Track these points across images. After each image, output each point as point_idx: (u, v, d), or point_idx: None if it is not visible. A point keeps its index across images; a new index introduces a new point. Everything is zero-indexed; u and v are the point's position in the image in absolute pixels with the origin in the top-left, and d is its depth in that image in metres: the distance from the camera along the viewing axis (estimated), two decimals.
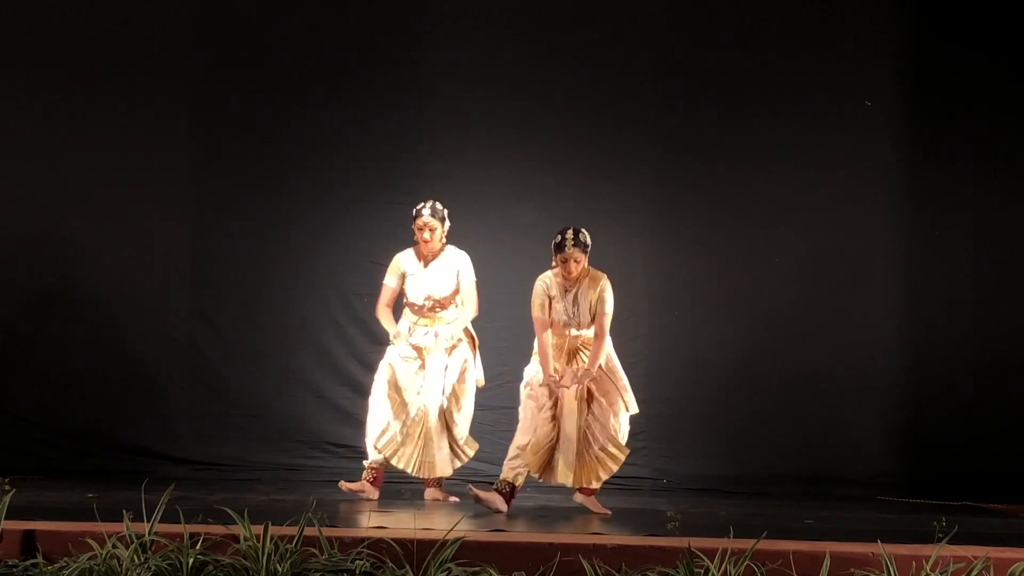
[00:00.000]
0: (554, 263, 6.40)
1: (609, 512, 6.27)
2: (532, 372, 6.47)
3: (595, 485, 6.34)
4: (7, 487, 5.00)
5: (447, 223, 6.81)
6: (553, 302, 6.37)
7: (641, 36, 8.17)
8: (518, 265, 7.40)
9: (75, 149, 8.17)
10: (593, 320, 6.34)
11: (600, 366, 6.34)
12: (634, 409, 6.42)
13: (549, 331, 6.39)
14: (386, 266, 6.91)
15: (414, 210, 6.81)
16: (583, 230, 6.36)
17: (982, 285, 7.98)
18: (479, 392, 6.91)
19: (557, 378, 6.31)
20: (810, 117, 8.09)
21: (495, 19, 8.23)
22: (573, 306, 6.35)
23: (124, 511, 4.83)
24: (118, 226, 8.16)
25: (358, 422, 7.07)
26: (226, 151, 8.22)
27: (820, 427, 7.90)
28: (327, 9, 8.26)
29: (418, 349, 6.76)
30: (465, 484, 7.51)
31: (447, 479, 6.90)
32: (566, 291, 6.37)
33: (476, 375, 6.85)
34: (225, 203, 8.19)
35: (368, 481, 6.74)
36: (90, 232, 8.14)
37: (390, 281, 6.87)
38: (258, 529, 4.68)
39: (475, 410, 6.89)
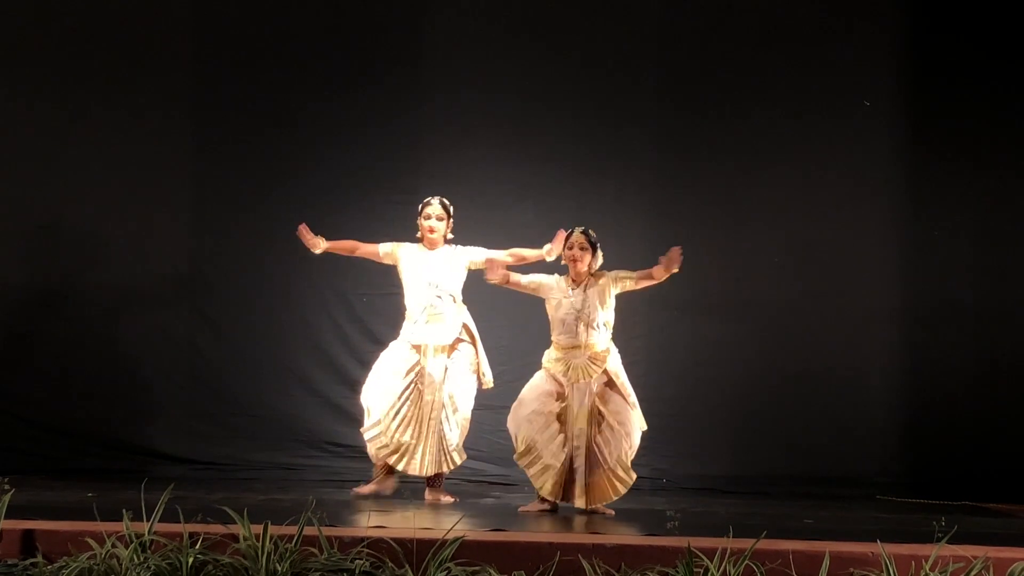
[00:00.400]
0: (563, 261, 6.44)
1: (612, 512, 6.27)
2: (534, 377, 6.47)
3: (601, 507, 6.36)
4: (7, 486, 5.00)
5: (451, 220, 6.81)
6: (560, 299, 6.36)
7: (641, 36, 8.18)
8: (517, 265, 7.40)
9: (75, 149, 8.17)
10: (605, 321, 6.35)
11: (612, 377, 6.34)
12: (643, 426, 6.44)
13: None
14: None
15: (420, 204, 6.81)
16: (591, 231, 6.45)
17: (981, 285, 7.99)
18: (478, 392, 6.91)
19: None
20: (809, 117, 8.09)
21: (494, 19, 8.23)
22: (582, 300, 6.33)
23: (123, 510, 4.83)
24: (118, 226, 8.16)
25: (357, 422, 7.06)
26: (226, 151, 8.22)
27: (819, 427, 7.91)
28: (327, 9, 8.27)
29: (418, 348, 6.74)
30: (464, 484, 7.54)
31: (446, 478, 6.89)
32: (574, 289, 6.37)
33: (484, 377, 6.84)
34: (225, 203, 8.19)
35: (383, 476, 6.74)
36: (90, 231, 8.14)
37: (384, 247, 6.84)
38: (257, 528, 4.68)
39: (474, 410, 6.89)
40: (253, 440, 8.01)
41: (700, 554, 4.64)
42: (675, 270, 6.35)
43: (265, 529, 4.66)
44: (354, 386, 7.62)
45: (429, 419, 6.67)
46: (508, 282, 6.49)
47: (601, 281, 6.39)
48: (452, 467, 6.79)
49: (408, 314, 6.82)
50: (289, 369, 8.08)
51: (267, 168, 8.18)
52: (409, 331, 6.77)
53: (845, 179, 8.09)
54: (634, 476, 6.37)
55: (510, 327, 7.51)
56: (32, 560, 4.82)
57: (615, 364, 6.43)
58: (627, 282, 6.41)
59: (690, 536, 4.83)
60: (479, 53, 8.18)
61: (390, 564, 4.70)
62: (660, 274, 6.35)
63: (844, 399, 7.94)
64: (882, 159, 8.09)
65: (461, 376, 6.76)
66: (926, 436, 7.87)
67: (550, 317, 6.47)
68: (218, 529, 4.81)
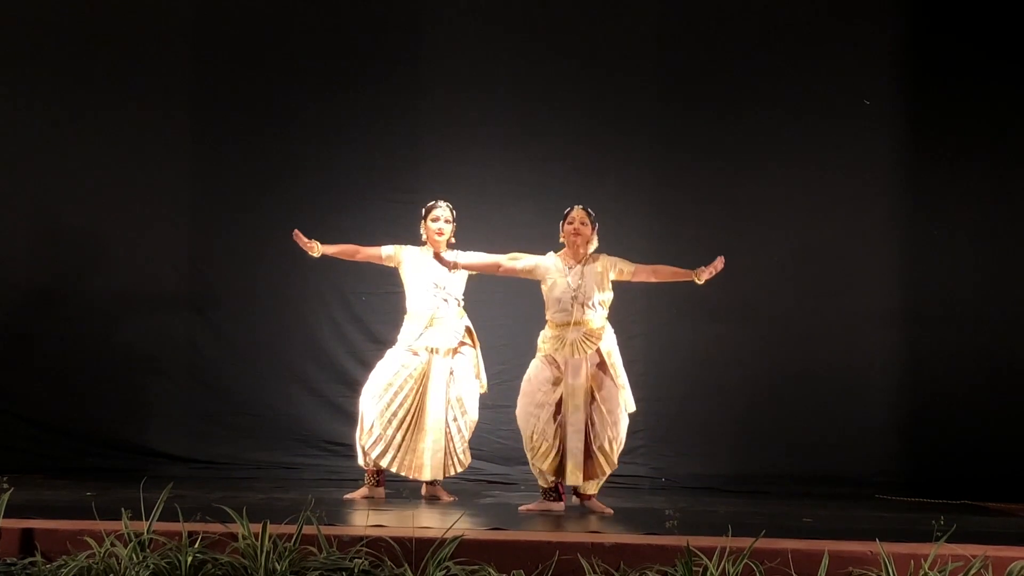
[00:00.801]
0: (562, 237, 6.40)
1: (611, 511, 6.26)
2: (532, 366, 6.45)
3: (592, 491, 6.34)
4: (5, 485, 5.00)
5: (455, 224, 6.82)
6: (556, 279, 6.33)
7: (641, 35, 8.18)
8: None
9: (74, 149, 8.19)
10: (602, 301, 6.32)
11: (605, 357, 6.32)
12: (631, 407, 6.41)
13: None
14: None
15: (424, 208, 6.80)
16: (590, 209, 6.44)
17: (980, 284, 7.99)
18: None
19: None
20: (810, 117, 8.09)
21: (494, 18, 8.23)
22: (580, 279, 6.30)
23: (122, 509, 4.83)
24: (117, 225, 8.17)
25: (356, 421, 7.04)
26: (225, 150, 8.23)
27: (819, 426, 7.91)
28: (326, 8, 8.27)
29: (421, 352, 6.72)
30: (463, 483, 7.54)
31: (447, 477, 6.89)
32: (571, 268, 6.35)
33: (481, 380, 6.84)
34: (224, 202, 8.20)
35: (372, 485, 6.74)
36: (89, 231, 8.15)
37: (387, 249, 6.82)
38: (256, 527, 4.68)
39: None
40: (252, 439, 8.02)
41: (699, 553, 4.64)
42: (704, 280, 6.39)
43: (264, 528, 4.66)
44: (353, 385, 7.63)
45: (433, 423, 6.66)
46: (500, 271, 6.48)
47: (600, 262, 6.36)
48: (460, 469, 6.79)
49: (410, 317, 6.79)
50: (288, 368, 8.09)
51: (266, 168, 8.19)
52: (412, 334, 6.74)
53: (845, 178, 8.08)
54: (615, 464, 6.32)
55: (509, 327, 7.50)
56: (31, 559, 4.82)
57: (610, 343, 6.37)
58: (624, 272, 6.37)
59: (689, 535, 4.83)
60: (479, 53, 8.19)
61: (389, 563, 4.70)
62: (674, 276, 6.44)
63: (843, 398, 7.94)
64: (882, 158, 8.09)
65: (467, 378, 6.76)
66: (925, 435, 7.87)
67: (545, 297, 6.42)
68: (217, 528, 4.81)
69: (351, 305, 8.04)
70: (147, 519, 4.80)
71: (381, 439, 6.64)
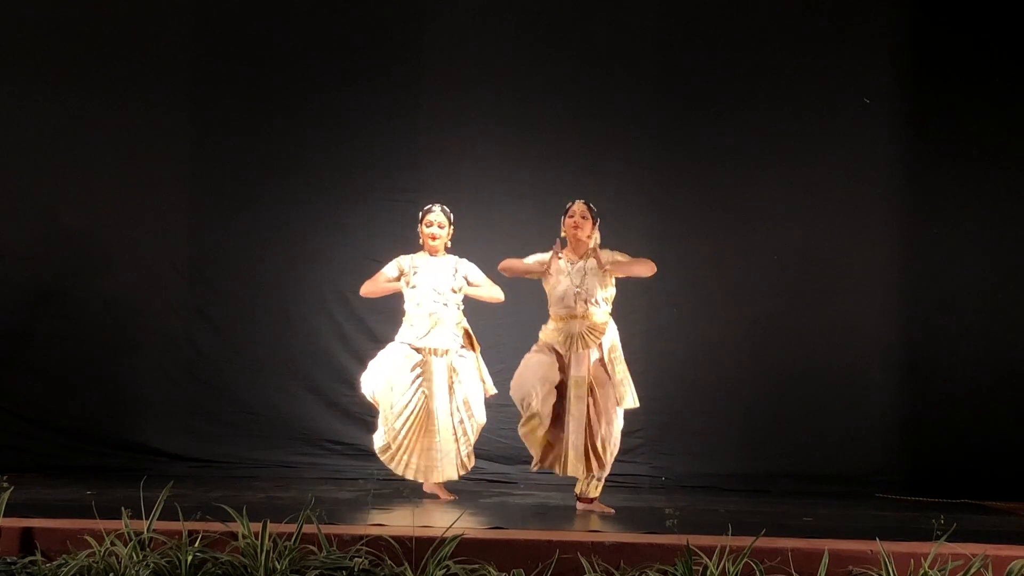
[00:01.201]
0: (563, 232, 6.39)
1: (613, 511, 6.25)
2: (531, 351, 6.44)
3: (594, 494, 6.33)
4: (5, 484, 5.01)
5: (452, 227, 6.81)
6: (559, 277, 6.32)
7: (641, 34, 8.17)
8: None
9: (73, 147, 8.17)
10: (604, 297, 6.32)
11: (607, 353, 6.30)
12: (634, 403, 6.36)
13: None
14: (384, 263, 6.89)
15: (421, 212, 6.81)
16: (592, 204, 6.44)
17: (980, 283, 7.98)
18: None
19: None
20: (809, 115, 8.08)
21: (494, 17, 8.23)
22: (581, 277, 6.31)
23: (122, 508, 4.83)
24: (116, 223, 8.16)
25: (356, 419, 7.07)
26: (224, 149, 8.22)
27: (818, 425, 7.90)
28: (325, 7, 8.26)
29: (422, 352, 6.72)
30: (463, 481, 7.54)
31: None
32: (573, 264, 6.34)
33: (486, 384, 6.82)
34: (223, 201, 8.19)
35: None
36: (88, 229, 8.15)
37: (389, 270, 6.82)
38: (256, 526, 4.68)
39: None
40: (252, 438, 8.02)
41: (699, 552, 4.64)
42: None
43: (264, 527, 4.66)
44: (353, 384, 7.61)
45: (441, 425, 6.66)
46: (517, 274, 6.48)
47: (605, 258, 6.34)
48: (464, 472, 6.80)
49: (409, 319, 6.78)
50: (288, 367, 8.08)
51: (266, 167, 8.18)
52: (410, 336, 6.74)
53: (845, 177, 8.08)
54: (605, 465, 6.27)
55: (509, 326, 7.50)
56: (31, 558, 4.82)
57: (612, 337, 6.37)
58: (618, 265, 6.37)
59: (689, 534, 4.83)
60: (479, 52, 8.18)
61: (389, 562, 4.70)
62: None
63: (843, 397, 7.94)
64: (882, 157, 8.08)
65: (471, 380, 6.76)
66: (925, 434, 7.87)
67: (548, 293, 6.41)
68: (217, 527, 4.81)
69: (350, 304, 8.02)
70: (147, 518, 4.80)
71: (391, 444, 6.63)
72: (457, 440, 6.69)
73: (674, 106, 8.14)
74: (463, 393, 6.71)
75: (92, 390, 8.02)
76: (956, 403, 7.86)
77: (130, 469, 7.50)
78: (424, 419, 6.66)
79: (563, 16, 8.21)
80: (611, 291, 6.39)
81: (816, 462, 7.84)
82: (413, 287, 6.73)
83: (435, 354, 6.68)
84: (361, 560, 4.65)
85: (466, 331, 6.81)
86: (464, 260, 6.82)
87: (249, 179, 8.19)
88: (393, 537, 4.78)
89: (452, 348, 6.71)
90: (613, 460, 6.33)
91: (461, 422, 6.71)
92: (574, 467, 6.23)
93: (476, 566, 4.69)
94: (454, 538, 4.73)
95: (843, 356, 7.98)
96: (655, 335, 7.99)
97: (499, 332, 7.49)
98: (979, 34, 8.00)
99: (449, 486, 6.84)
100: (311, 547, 4.72)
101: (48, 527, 4.96)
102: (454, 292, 6.74)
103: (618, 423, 6.31)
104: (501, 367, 7.23)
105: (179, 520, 4.79)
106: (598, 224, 6.45)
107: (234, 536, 4.72)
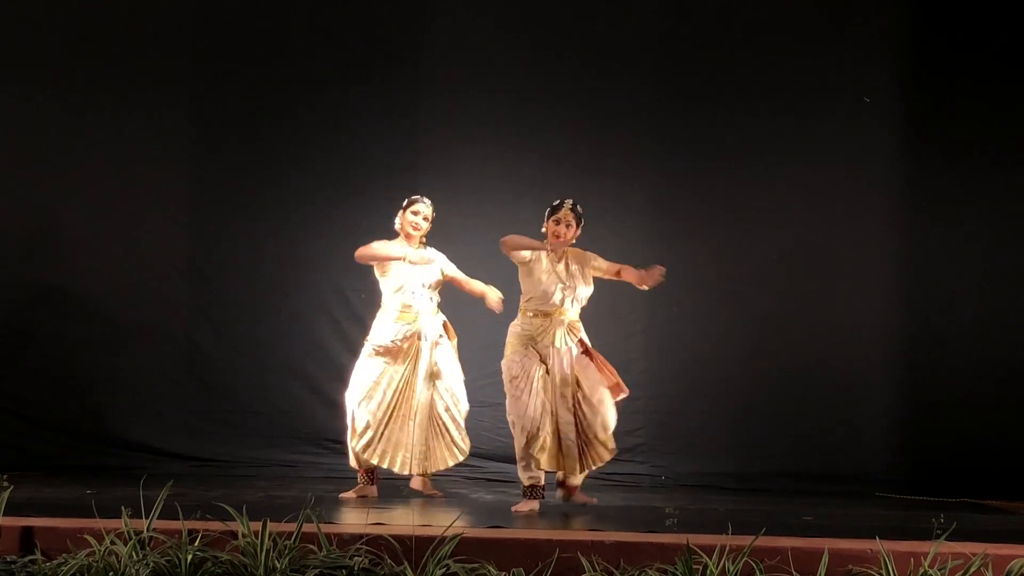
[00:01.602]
0: (544, 228, 6.36)
1: (595, 500, 6.23)
2: (510, 361, 6.35)
3: (577, 481, 6.31)
4: (5, 483, 5.01)
5: (431, 225, 6.83)
6: (542, 271, 6.28)
7: (641, 33, 8.18)
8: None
9: (72, 147, 8.18)
10: (587, 296, 6.32)
11: (588, 346, 6.30)
12: (624, 392, 6.31)
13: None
14: None
15: (406, 200, 6.80)
16: (579, 205, 6.38)
17: (981, 282, 7.98)
18: (475, 387, 6.88)
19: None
20: (809, 114, 8.08)
21: (494, 15, 8.23)
22: (567, 273, 6.29)
23: (122, 507, 4.83)
24: (116, 222, 8.17)
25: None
26: (223, 148, 8.23)
27: (818, 424, 7.90)
28: (325, 6, 8.27)
29: (407, 341, 6.70)
30: (463, 480, 7.54)
31: (437, 475, 6.89)
32: (555, 262, 6.32)
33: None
34: (222, 200, 8.20)
35: (366, 483, 6.73)
36: (88, 228, 8.15)
37: (396, 249, 6.76)
38: (256, 525, 4.68)
39: (471, 406, 6.90)
40: (252, 437, 8.02)
41: (699, 551, 4.64)
42: (646, 287, 6.31)
43: (264, 526, 4.66)
44: None
45: (427, 416, 6.66)
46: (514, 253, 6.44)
47: (584, 257, 6.35)
48: (462, 457, 6.79)
49: (391, 311, 6.74)
50: (287, 366, 8.08)
51: (265, 165, 8.19)
52: (393, 330, 6.71)
53: (845, 176, 8.08)
54: (613, 448, 6.27)
55: (507, 324, 7.49)
56: (31, 557, 4.82)
57: (582, 333, 6.37)
58: (599, 268, 6.36)
59: (689, 533, 4.83)
60: (478, 50, 8.18)
61: (389, 561, 4.70)
62: (631, 279, 6.31)
63: (843, 396, 7.94)
64: (882, 156, 8.08)
65: (453, 369, 6.77)
66: (925, 433, 7.87)
67: (528, 286, 6.32)
68: (217, 526, 4.81)
69: (350, 303, 8.03)
70: (147, 517, 4.80)
71: (375, 440, 6.63)
72: (446, 428, 6.68)
73: (674, 105, 8.14)
74: (447, 382, 6.72)
75: (92, 389, 8.02)
76: (956, 402, 7.86)
77: (130, 468, 7.51)
78: (410, 413, 6.64)
79: (564, 15, 8.21)
80: (591, 290, 6.39)
81: (816, 461, 7.84)
82: (398, 281, 6.71)
83: (426, 346, 6.66)
84: (361, 559, 4.65)
85: (445, 322, 6.81)
86: (439, 252, 6.82)
87: (249, 178, 8.19)
88: (393, 536, 4.78)
89: (435, 338, 6.71)
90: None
91: (447, 409, 6.70)
92: (571, 469, 6.21)
93: (476, 565, 4.68)
94: (454, 537, 4.73)
95: (843, 355, 7.98)
96: (655, 334, 7.99)
97: (497, 330, 7.39)
98: (979, 33, 8.00)
99: (450, 484, 6.83)
100: (311, 546, 4.72)
101: (48, 526, 4.96)
102: (436, 284, 6.77)
103: (612, 408, 6.26)
104: (500, 366, 7.21)
105: (179, 519, 4.78)
106: (581, 225, 6.40)
107: (234, 535, 4.72)
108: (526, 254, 6.33)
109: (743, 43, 8.13)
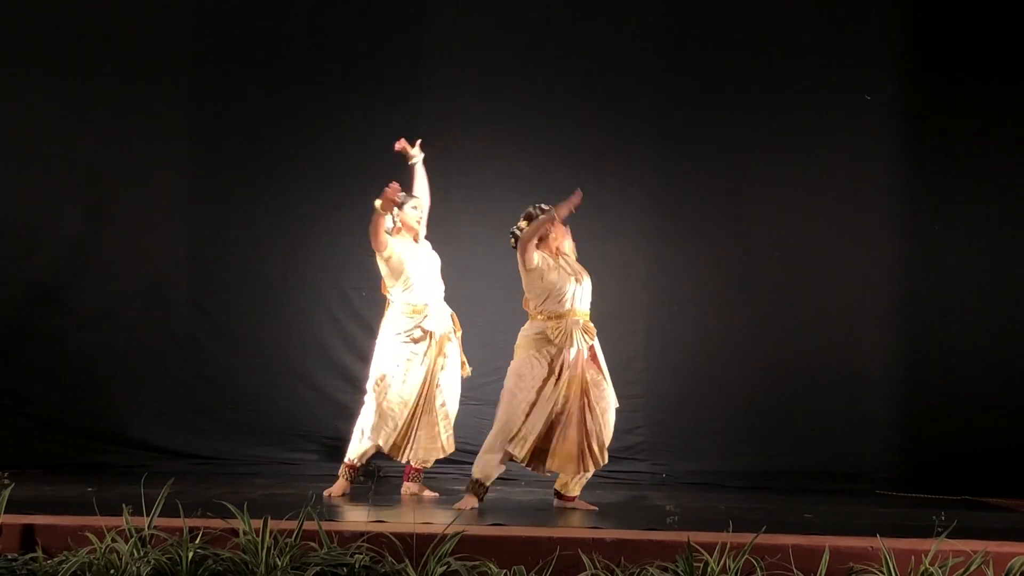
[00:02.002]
0: (547, 244, 6.30)
1: (596, 507, 6.21)
2: (521, 361, 6.31)
3: (576, 492, 6.28)
4: (6, 481, 5.01)
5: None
6: (549, 270, 6.23)
7: (641, 31, 8.17)
8: (516, 259, 7.38)
9: (73, 145, 8.17)
10: (589, 283, 6.29)
11: (597, 352, 6.25)
12: (615, 404, 6.26)
13: None
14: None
15: (401, 198, 6.77)
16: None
17: (981, 280, 7.98)
18: (474, 385, 6.88)
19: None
20: (809, 113, 8.08)
21: (495, 13, 8.22)
22: (571, 268, 6.25)
23: (123, 505, 4.83)
24: (117, 220, 8.16)
25: (357, 416, 7.02)
26: (224, 146, 8.22)
27: (819, 422, 7.90)
28: (325, 4, 8.26)
29: (424, 338, 6.68)
30: (464, 478, 7.54)
31: (438, 472, 6.89)
32: (556, 260, 6.27)
33: (466, 367, 6.83)
34: (223, 198, 8.19)
35: (347, 480, 6.73)
36: (89, 226, 8.15)
37: (396, 245, 6.75)
38: (257, 523, 4.68)
39: (469, 404, 6.92)
40: (253, 435, 8.02)
41: (700, 549, 4.64)
42: (564, 213, 6.22)
43: (265, 524, 4.66)
44: (353, 381, 7.64)
45: (440, 406, 6.66)
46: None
47: (572, 251, 6.33)
48: (442, 455, 6.75)
49: (409, 306, 6.69)
50: (288, 364, 8.08)
51: (265, 164, 8.18)
52: (413, 323, 6.69)
53: (846, 174, 8.08)
54: (600, 462, 6.17)
55: (508, 322, 7.47)
56: (32, 555, 4.82)
57: (596, 341, 6.31)
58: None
59: (690, 531, 4.83)
60: (480, 48, 8.18)
61: (390, 559, 4.70)
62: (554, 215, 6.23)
63: (844, 394, 7.94)
64: (883, 154, 8.08)
65: (456, 366, 6.76)
66: (926, 431, 7.87)
67: (542, 289, 6.23)
68: (218, 524, 4.81)
69: (351, 300, 8.03)
70: (148, 515, 4.80)
71: (392, 437, 6.61)
72: (438, 423, 6.67)
73: (675, 103, 8.14)
74: (449, 377, 6.71)
75: (93, 387, 8.01)
76: (956, 400, 7.86)
77: (131, 466, 7.52)
78: (426, 406, 6.63)
79: (564, 14, 8.21)
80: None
81: (817, 459, 7.84)
82: (416, 272, 6.69)
83: (434, 338, 6.66)
84: (362, 557, 4.65)
85: (452, 315, 6.81)
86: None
87: (249, 177, 8.19)
88: (394, 534, 4.78)
89: (448, 331, 6.71)
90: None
91: (443, 404, 6.69)
92: (562, 465, 6.13)
93: (477, 563, 4.68)
94: (455, 535, 4.73)
95: (844, 353, 7.98)
96: (656, 332, 7.99)
97: (496, 328, 7.39)
98: (980, 31, 8.00)
99: (450, 481, 6.83)
100: (312, 544, 4.71)
101: (49, 524, 4.96)
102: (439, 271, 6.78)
103: (612, 419, 6.24)
104: (500, 364, 7.13)
105: (180, 517, 4.78)
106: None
107: (235, 533, 4.72)
108: (535, 258, 6.26)
109: (743, 41, 8.13)
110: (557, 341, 6.17)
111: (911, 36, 8.09)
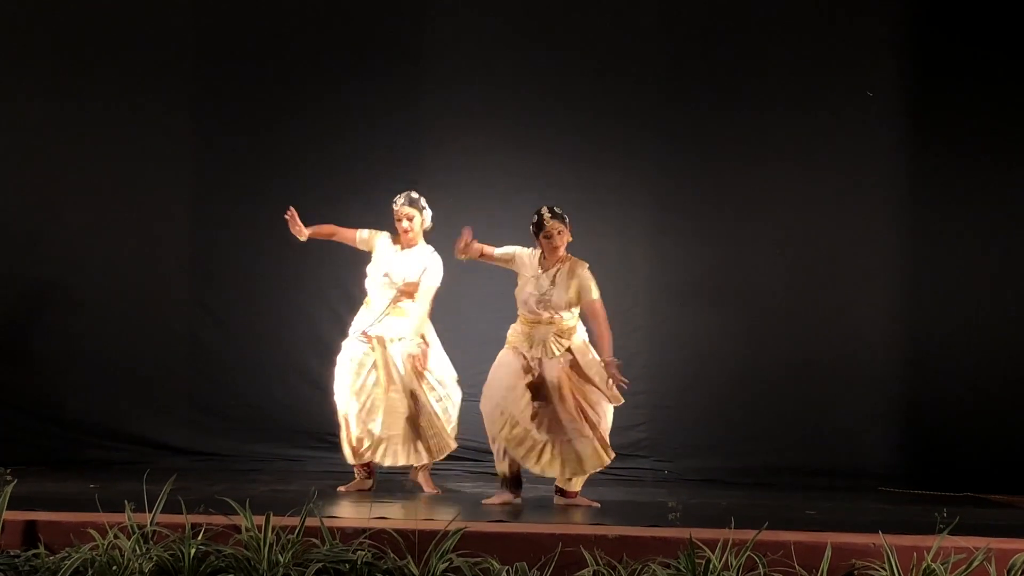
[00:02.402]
0: (536, 245, 6.29)
1: (599, 504, 6.22)
2: (500, 355, 6.34)
3: (577, 487, 6.27)
4: (9, 477, 5.01)
5: (426, 212, 6.75)
6: (527, 279, 6.23)
7: (644, 29, 8.17)
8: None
9: (76, 141, 8.18)
10: (569, 306, 6.17)
11: (579, 356, 6.21)
12: (619, 400, 6.23)
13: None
14: None
15: (393, 201, 6.78)
16: (555, 207, 6.26)
17: (984, 277, 7.98)
18: (470, 384, 6.90)
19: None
20: (812, 110, 8.08)
21: (497, 11, 8.22)
22: (550, 284, 6.17)
23: (126, 502, 4.83)
24: (119, 217, 8.17)
25: None
26: (226, 143, 8.23)
27: (821, 418, 7.90)
28: (325, 2, 8.26)
29: (378, 340, 6.67)
30: (466, 475, 7.54)
31: (439, 469, 6.89)
32: (544, 270, 6.24)
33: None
34: (226, 195, 8.20)
35: (363, 477, 6.73)
36: (91, 223, 8.16)
37: (362, 233, 6.79)
38: (260, 519, 4.68)
39: (467, 402, 6.90)
40: (255, 431, 8.03)
41: (702, 545, 4.64)
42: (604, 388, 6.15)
43: (267, 520, 4.66)
44: None
45: (407, 408, 6.63)
46: (480, 256, 6.35)
47: (575, 272, 6.19)
48: (445, 453, 6.76)
49: (366, 305, 6.77)
50: (290, 361, 8.09)
51: (268, 160, 8.19)
52: (364, 323, 6.72)
53: (847, 171, 8.07)
54: (604, 459, 6.14)
55: (508, 320, 7.48)
56: (34, 551, 4.82)
57: (582, 337, 6.25)
58: (582, 300, 6.17)
59: (692, 527, 4.83)
60: (481, 46, 8.18)
61: (392, 555, 4.70)
62: (603, 363, 6.14)
63: (846, 390, 7.94)
64: (884, 152, 8.07)
65: (437, 361, 6.73)
66: (928, 427, 7.87)
67: (516, 294, 6.29)
68: (220, 520, 4.81)
69: (352, 297, 8.00)
70: (150, 511, 4.80)
71: (362, 436, 6.61)
72: (434, 420, 6.65)
73: (676, 100, 8.13)
74: (435, 375, 6.71)
75: (95, 384, 8.03)
76: (959, 397, 7.86)
77: (133, 462, 7.53)
78: (394, 408, 6.62)
79: (566, 11, 8.21)
80: (569, 300, 6.21)
81: (819, 456, 7.85)
82: (369, 270, 6.73)
83: (388, 342, 6.63)
84: (364, 553, 4.65)
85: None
86: (434, 262, 6.69)
87: (251, 173, 8.19)
88: (396, 530, 4.78)
89: (399, 336, 6.64)
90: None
91: (439, 400, 6.68)
92: (550, 466, 6.13)
93: (479, 559, 4.68)
94: (457, 531, 4.72)
95: (846, 350, 7.98)
96: (658, 329, 7.99)
97: (497, 327, 7.39)
98: (983, 28, 7.99)
99: (452, 479, 6.83)
100: (314, 540, 4.71)
101: (51, 520, 4.96)
102: (409, 276, 6.65)
103: (609, 415, 6.21)
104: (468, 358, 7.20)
105: (182, 513, 4.79)
106: (568, 222, 6.28)
107: (237, 529, 4.72)
108: (509, 253, 6.28)
109: (744, 38, 8.12)
110: (528, 348, 6.24)
111: (913, 32, 8.08)
